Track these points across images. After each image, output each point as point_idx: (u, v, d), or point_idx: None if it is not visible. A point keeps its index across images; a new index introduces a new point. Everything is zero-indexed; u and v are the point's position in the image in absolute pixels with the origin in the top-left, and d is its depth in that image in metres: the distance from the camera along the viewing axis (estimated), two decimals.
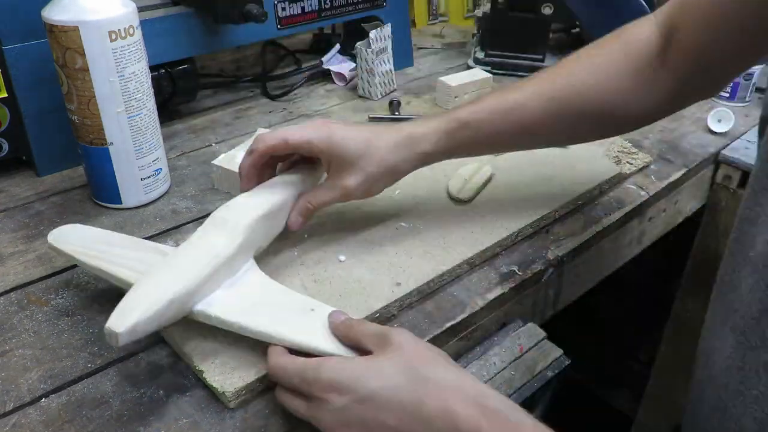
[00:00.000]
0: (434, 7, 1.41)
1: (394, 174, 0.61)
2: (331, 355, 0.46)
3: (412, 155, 0.60)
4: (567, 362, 0.60)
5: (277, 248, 0.62)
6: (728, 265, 0.53)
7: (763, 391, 0.47)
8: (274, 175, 0.61)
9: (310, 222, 0.61)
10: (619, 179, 0.78)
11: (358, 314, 0.54)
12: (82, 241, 0.55)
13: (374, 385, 0.42)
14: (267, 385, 0.49)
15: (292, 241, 0.63)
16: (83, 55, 0.62)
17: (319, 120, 0.61)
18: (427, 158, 0.61)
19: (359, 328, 0.47)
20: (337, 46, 1.09)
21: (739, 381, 0.48)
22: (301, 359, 0.46)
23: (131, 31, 0.64)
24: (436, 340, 0.55)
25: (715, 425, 0.50)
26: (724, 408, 0.49)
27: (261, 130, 0.77)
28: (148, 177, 0.70)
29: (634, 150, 0.83)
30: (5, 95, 0.71)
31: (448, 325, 0.56)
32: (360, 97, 1.01)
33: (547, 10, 1.03)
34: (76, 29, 0.61)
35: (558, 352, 0.60)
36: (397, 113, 0.94)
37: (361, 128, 0.61)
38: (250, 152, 0.59)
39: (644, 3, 1.00)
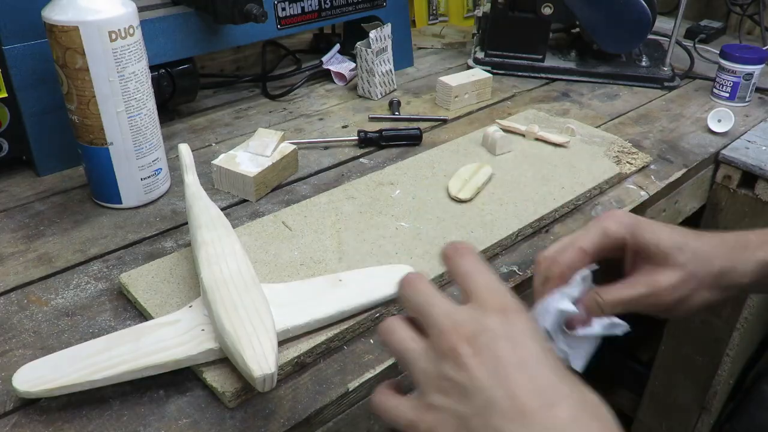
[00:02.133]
0: (434, 7, 1.41)
1: (722, 281, 0.47)
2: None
3: (749, 261, 0.47)
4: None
5: (277, 248, 0.62)
6: None
7: None
8: None
9: (307, 220, 0.61)
10: (619, 179, 0.78)
11: (358, 314, 0.54)
12: (66, 368, 0.46)
13: (529, 350, 0.34)
14: None
15: (292, 241, 0.63)
16: (83, 55, 0.62)
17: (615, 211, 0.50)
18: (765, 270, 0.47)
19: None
20: (337, 46, 1.09)
21: None
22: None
23: (131, 31, 0.64)
24: None
25: None
26: None
27: (261, 130, 0.77)
28: (148, 177, 0.70)
29: (634, 150, 0.83)
30: (5, 95, 0.71)
31: None
32: (360, 97, 1.01)
33: (547, 10, 1.04)
34: (76, 29, 0.61)
35: None
36: (397, 113, 0.94)
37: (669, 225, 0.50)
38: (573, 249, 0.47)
39: (644, 3, 1.00)
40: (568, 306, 0.47)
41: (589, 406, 0.33)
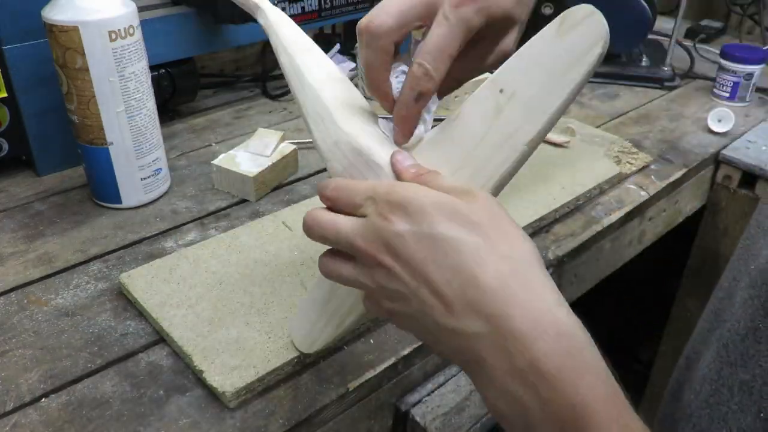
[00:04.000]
0: None
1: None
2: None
3: None
4: None
5: (277, 248, 0.62)
6: (730, 272, 0.52)
7: (734, 409, 0.45)
8: None
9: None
10: (619, 179, 0.78)
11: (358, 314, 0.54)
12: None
13: (444, 228, 0.34)
14: (267, 385, 0.49)
15: (292, 241, 0.63)
16: (83, 55, 0.62)
17: None
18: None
19: (435, 183, 0.37)
20: (337, 46, 1.09)
21: (710, 394, 0.47)
22: (368, 182, 0.39)
23: (131, 31, 0.64)
24: None
25: (680, 429, 0.50)
26: (689, 416, 0.48)
27: (261, 130, 0.77)
28: (148, 177, 0.70)
29: (634, 150, 0.83)
30: (5, 95, 0.71)
31: None
32: None
33: (547, 10, 1.03)
34: (76, 29, 0.60)
35: None
36: None
37: None
38: (371, 48, 0.40)
39: (644, 3, 1.00)
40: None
41: (511, 262, 0.33)
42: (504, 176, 0.39)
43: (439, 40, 0.39)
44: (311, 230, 0.39)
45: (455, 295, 0.33)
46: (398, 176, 0.39)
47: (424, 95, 0.40)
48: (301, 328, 0.50)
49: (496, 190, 0.40)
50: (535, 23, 0.41)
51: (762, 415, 0.44)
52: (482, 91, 0.39)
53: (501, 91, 0.38)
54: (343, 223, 0.38)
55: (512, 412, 0.32)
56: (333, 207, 0.39)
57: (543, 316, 0.31)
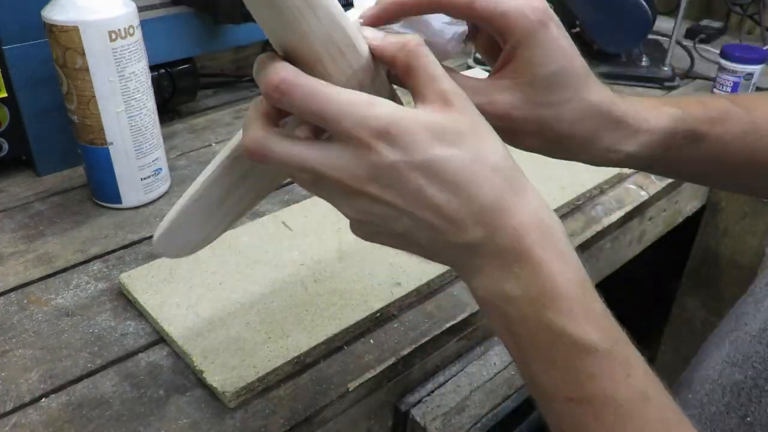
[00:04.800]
0: None
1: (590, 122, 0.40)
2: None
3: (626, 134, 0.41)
4: None
5: (277, 248, 0.62)
6: (764, 277, 0.51)
7: (721, 410, 0.46)
8: None
9: (307, 220, 0.61)
10: (619, 179, 0.78)
11: (358, 314, 0.54)
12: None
13: (436, 150, 0.32)
14: (267, 385, 0.49)
15: (292, 241, 0.63)
16: (83, 55, 0.62)
17: None
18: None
19: (426, 70, 0.34)
20: None
21: (705, 393, 0.48)
22: (347, 91, 0.32)
23: (131, 31, 0.64)
24: (436, 340, 0.55)
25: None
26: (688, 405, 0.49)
27: None
28: (148, 177, 0.70)
29: None
30: (5, 95, 0.71)
31: (448, 325, 0.56)
32: None
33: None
34: (76, 29, 0.60)
35: None
36: None
37: None
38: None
39: (644, 3, 1.00)
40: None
41: (501, 173, 0.34)
42: None
43: None
44: (261, 160, 0.33)
45: (458, 213, 0.33)
46: (382, 53, 0.35)
47: None
48: (177, 237, 0.43)
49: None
50: None
51: (748, 419, 0.43)
52: None
53: None
54: (310, 154, 0.33)
55: (495, 296, 0.34)
56: (286, 108, 0.33)
57: (530, 218, 0.34)
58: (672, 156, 0.43)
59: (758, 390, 0.44)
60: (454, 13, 0.37)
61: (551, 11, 0.37)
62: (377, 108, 0.32)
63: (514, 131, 0.40)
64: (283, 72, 0.32)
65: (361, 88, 0.34)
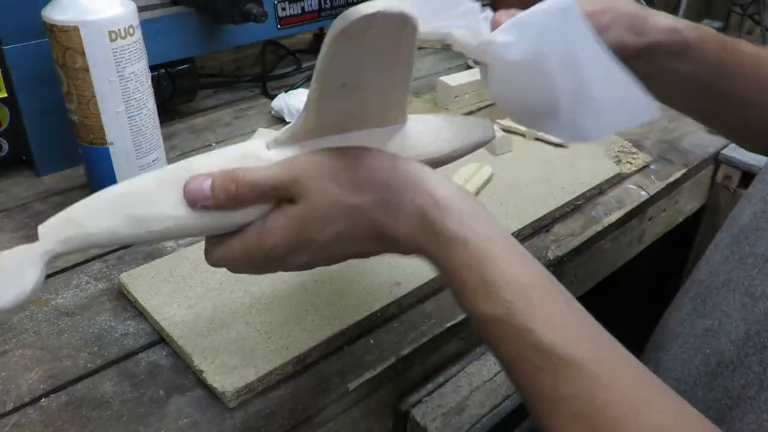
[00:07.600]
0: None
1: (635, 23, 0.50)
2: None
3: (661, 21, 0.51)
4: None
5: None
6: (712, 242, 0.55)
7: (691, 352, 0.49)
8: None
9: None
10: (619, 179, 0.78)
11: (358, 314, 0.54)
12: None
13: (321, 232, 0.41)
14: (267, 385, 0.49)
15: None
16: (83, 54, 0.62)
17: None
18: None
19: (251, 191, 0.40)
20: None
21: (676, 343, 0.51)
22: (238, 242, 0.41)
23: (131, 31, 0.64)
24: (436, 340, 0.55)
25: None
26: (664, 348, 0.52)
27: (261, 130, 0.77)
28: None
29: (634, 150, 0.83)
30: (5, 95, 0.71)
31: (448, 325, 0.56)
32: None
33: None
34: (76, 29, 0.60)
35: None
36: None
37: None
38: None
39: (644, 3, 1.00)
40: None
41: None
42: None
43: None
44: (215, 265, 0.44)
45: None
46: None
47: None
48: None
49: None
50: None
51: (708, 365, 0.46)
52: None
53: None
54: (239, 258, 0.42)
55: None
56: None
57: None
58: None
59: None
60: None
61: None
62: (262, 241, 0.41)
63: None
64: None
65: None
